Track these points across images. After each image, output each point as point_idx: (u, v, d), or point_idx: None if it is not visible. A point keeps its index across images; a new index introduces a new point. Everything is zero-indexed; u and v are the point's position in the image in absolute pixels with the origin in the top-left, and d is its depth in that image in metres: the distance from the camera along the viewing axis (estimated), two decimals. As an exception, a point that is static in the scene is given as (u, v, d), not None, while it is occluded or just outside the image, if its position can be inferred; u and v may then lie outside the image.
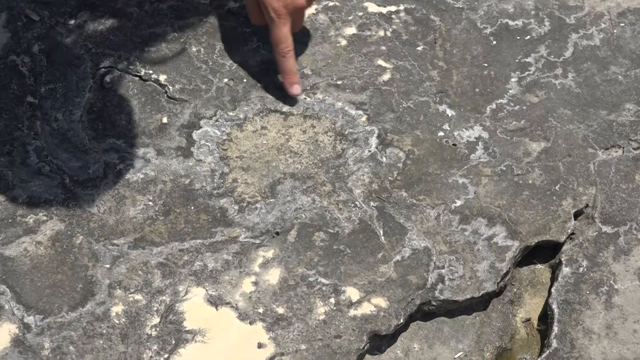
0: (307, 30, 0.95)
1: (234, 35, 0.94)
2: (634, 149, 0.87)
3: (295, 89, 0.87)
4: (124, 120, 0.88)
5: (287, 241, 0.80)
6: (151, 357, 0.72)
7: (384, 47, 0.96)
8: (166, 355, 0.72)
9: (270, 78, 0.92)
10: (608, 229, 0.82)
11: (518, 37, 0.97)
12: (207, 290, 0.76)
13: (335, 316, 0.75)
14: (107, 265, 0.77)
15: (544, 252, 0.85)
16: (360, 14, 0.97)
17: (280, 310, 0.75)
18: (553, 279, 0.82)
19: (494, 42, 0.96)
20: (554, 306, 0.79)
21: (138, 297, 0.75)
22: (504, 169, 0.87)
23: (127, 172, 0.84)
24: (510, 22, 0.97)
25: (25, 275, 0.76)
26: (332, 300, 0.76)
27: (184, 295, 0.76)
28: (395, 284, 0.78)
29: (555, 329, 0.77)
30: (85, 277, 0.76)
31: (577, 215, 0.85)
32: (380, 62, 0.94)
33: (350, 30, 0.95)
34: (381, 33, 0.95)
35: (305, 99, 0.91)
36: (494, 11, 0.98)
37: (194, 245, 0.79)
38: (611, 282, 0.79)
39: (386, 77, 0.93)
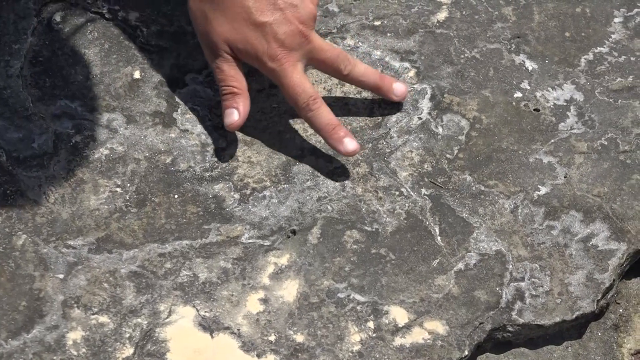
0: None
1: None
2: None
3: (349, 144, 0.79)
4: (80, 75, 0.87)
5: (307, 243, 0.80)
6: (123, 405, 0.73)
7: (438, -26, 0.97)
8: (144, 403, 0.73)
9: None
10: None
11: (622, -40, 0.98)
12: (198, 311, 0.76)
13: (375, 346, 0.75)
14: (61, 276, 0.77)
15: (661, 259, 0.85)
16: None
17: (300, 338, 0.75)
18: (674, 295, 0.83)
19: (589, -33, 0.98)
20: (677, 334, 0.79)
21: (103, 319, 0.75)
22: (606, 143, 0.87)
23: (86, 146, 0.83)
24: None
25: (-52, 290, 0.76)
26: (371, 324, 0.76)
27: (167, 317, 0.75)
28: (457, 303, 0.77)
29: (679, 365, 0.78)
30: (30, 292, 0.76)
31: None
32: (434, -6, 0.96)
33: (391, -51, 0.96)
34: (434, -46, 0.97)
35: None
36: None
37: (180, 248, 0.79)
38: None
39: (442, 15, 0.94)
